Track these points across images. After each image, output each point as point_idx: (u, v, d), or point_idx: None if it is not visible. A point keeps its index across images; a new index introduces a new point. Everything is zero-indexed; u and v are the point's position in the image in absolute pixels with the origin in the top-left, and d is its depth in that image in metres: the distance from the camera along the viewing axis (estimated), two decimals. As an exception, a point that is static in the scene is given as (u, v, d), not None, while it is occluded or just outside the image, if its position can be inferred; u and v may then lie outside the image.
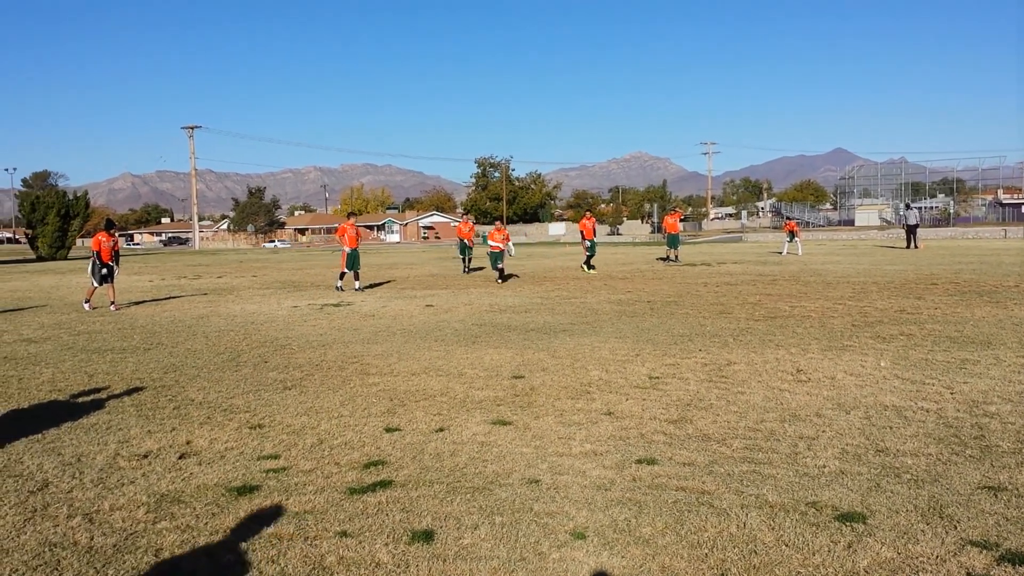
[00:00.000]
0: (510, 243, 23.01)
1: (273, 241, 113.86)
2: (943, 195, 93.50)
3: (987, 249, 35.15)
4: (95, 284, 16.89)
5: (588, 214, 27.57)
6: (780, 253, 35.17)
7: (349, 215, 22.49)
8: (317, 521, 4.64)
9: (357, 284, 20.29)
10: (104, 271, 16.86)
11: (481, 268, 26.39)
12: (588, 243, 25.67)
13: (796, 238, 35.54)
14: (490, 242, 23.62)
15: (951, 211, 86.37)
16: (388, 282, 23.13)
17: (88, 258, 17.97)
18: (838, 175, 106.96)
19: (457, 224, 23.30)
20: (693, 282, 20.38)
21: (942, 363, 8.84)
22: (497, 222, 24.48)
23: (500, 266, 22.57)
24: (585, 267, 25.66)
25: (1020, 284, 17.11)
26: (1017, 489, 4.90)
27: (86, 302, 16.88)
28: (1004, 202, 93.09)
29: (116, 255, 17.39)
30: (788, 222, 37.58)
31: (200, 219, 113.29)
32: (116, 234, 17.58)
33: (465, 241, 26.39)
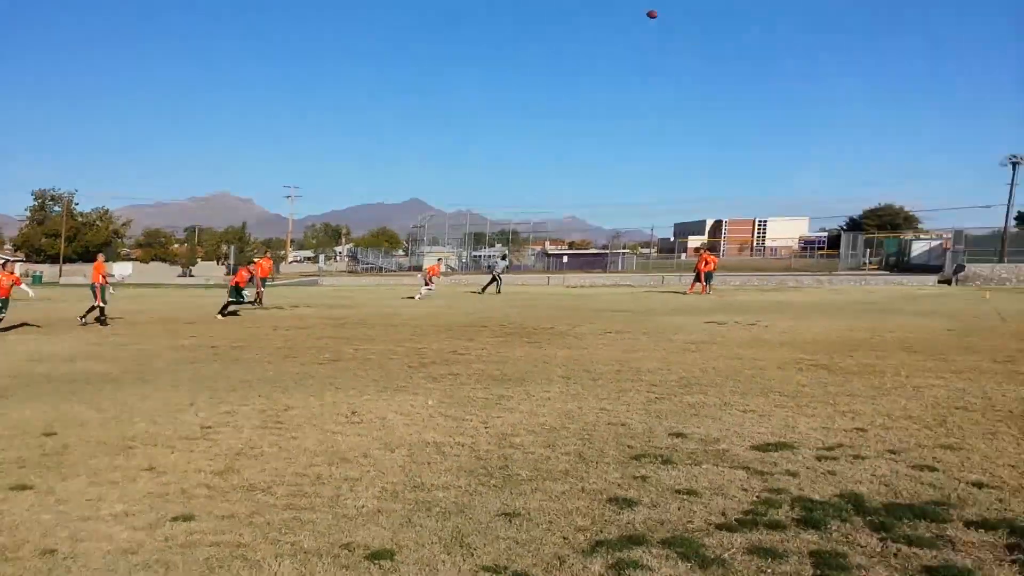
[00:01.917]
0: (111, 282, 20.83)
1: None
2: (500, 244, 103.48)
3: (533, 294, 39.45)
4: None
5: (258, 260, 29.15)
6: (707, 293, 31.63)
7: None
8: None
9: None
10: None
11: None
12: (233, 288, 23.87)
13: (701, 277, 32.41)
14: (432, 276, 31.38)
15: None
16: None
17: None
18: (411, 224, 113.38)
19: (258, 262, 22.30)
20: (264, 325, 20.03)
21: (482, 400, 9.65)
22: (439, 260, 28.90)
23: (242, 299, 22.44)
24: (221, 315, 23.46)
25: (554, 326, 19.39)
26: (529, 513, 5.48)
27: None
28: (550, 252, 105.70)
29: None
30: (705, 254, 34.54)
31: None
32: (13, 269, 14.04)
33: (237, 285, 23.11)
